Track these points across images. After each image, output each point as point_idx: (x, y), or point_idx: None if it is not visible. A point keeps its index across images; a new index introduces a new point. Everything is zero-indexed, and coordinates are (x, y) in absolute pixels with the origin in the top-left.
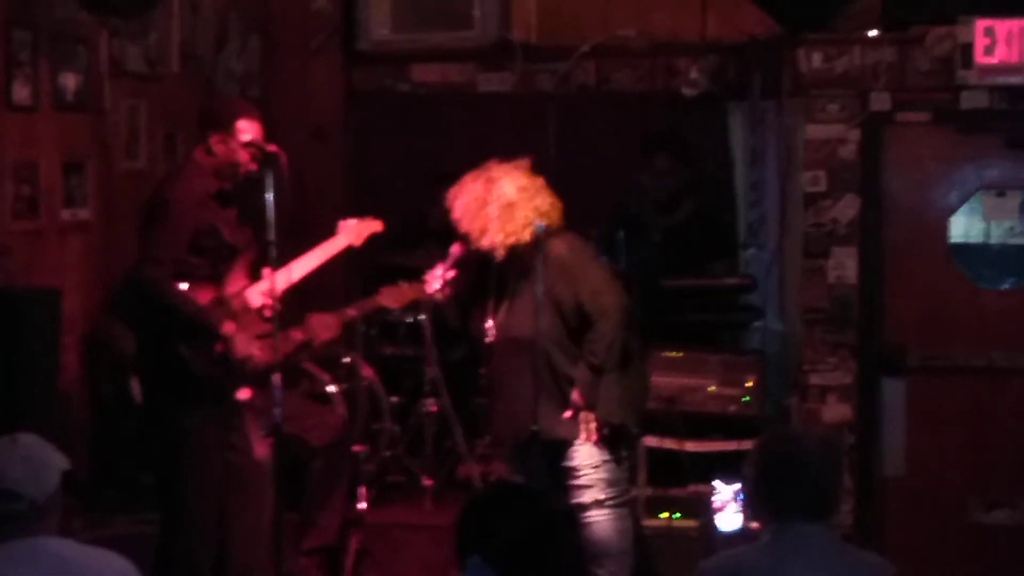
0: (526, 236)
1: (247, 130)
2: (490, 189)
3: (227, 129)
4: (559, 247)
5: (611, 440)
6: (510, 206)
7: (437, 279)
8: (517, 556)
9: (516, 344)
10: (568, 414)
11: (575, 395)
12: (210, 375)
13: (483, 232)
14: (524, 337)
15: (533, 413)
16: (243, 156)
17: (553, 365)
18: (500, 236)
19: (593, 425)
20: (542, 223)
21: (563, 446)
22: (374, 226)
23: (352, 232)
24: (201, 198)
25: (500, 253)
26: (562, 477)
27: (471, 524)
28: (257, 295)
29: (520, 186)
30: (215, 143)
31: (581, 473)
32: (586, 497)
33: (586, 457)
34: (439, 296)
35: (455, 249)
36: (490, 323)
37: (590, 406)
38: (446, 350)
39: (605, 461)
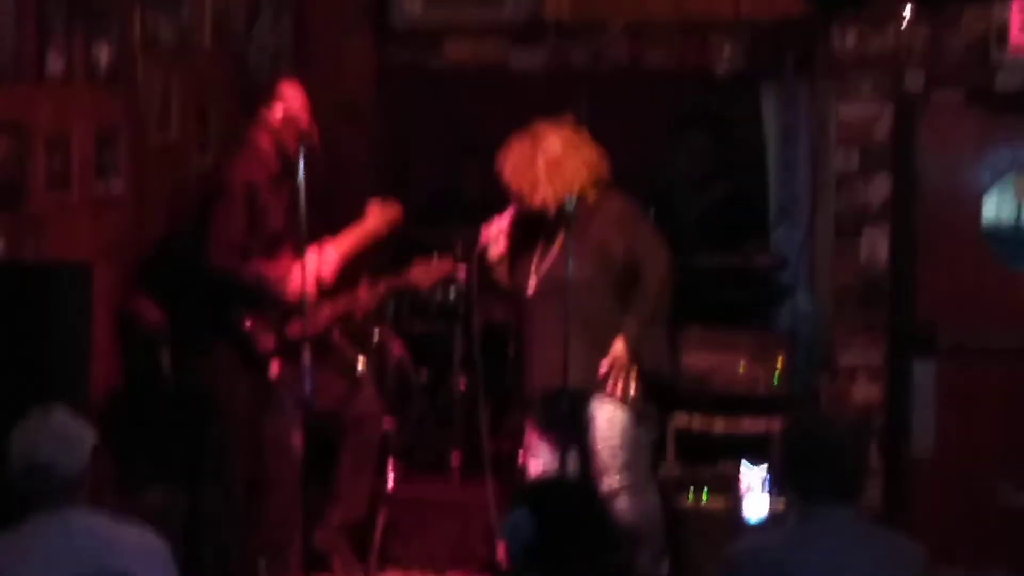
0: (576, 189)
1: (299, 104)
2: (537, 146)
3: (280, 101)
4: (612, 199)
5: (645, 406)
6: (557, 161)
7: (494, 233)
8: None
9: (558, 294)
10: (605, 366)
11: (619, 345)
12: (268, 348)
13: (534, 189)
14: (570, 287)
15: (574, 364)
16: (303, 128)
17: (596, 316)
18: (551, 191)
19: (624, 383)
20: (591, 175)
21: (594, 405)
22: (394, 211)
23: (380, 214)
24: (261, 180)
25: (551, 207)
26: (589, 443)
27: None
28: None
29: (566, 140)
30: (272, 119)
31: (602, 449)
32: (606, 480)
33: (614, 428)
34: (493, 252)
35: (511, 209)
36: (532, 276)
37: (635, 358)
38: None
39: (626, 440)
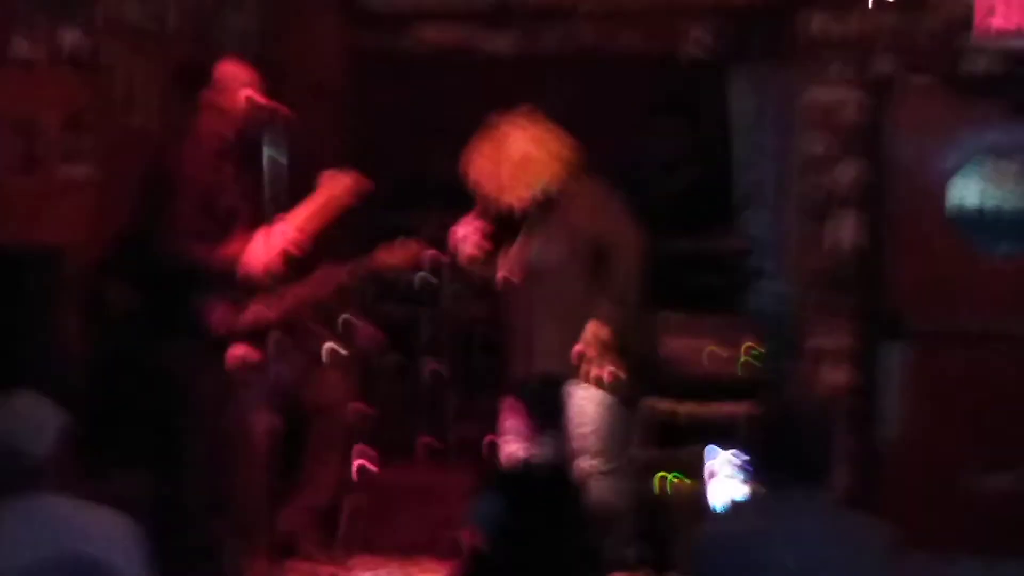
0: (546, 185)
1: (239, 78)
2: (501, 149)
3: (219, 81)
4: (583, 184)
5: (621, 389)
6: (525, 160)
7: (464, 235)
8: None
9: (535, 280)
10: (578, 348)
11: (593, 328)
12: (227, 332)
13: (501, 192)
14: (543, 273)
15: (549, 349)
16: (242, 104)
17: (573, 301)
18: (520, 190)
19: (600, 366)
20: (559, 168)
21: (570, 389)
22: (349, 179)
23: (333, 184)
24: (207, 160)
25: (523, 205)
26: (565, 426)
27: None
28: (255, 256)
29: (530, 138)
30: (212, 97)
31: (579, 431)
32: (583, 462)
33: (589, 412)
34: (465, 253)
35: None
36: (509, 265)
37: (611, 341)
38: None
39: (603, 424)
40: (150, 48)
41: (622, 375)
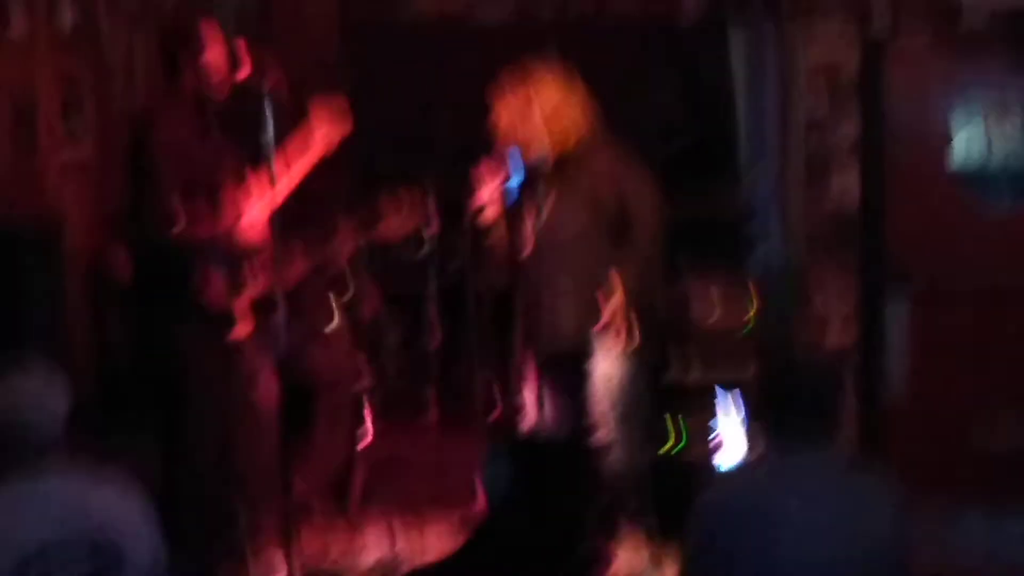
0: (571, 139)
1: (214, 42)
2: (532, 97)
3: (193, 46)
4: (602, 148)
5: (642, 358)
6: (553, 112)
7: (488, 196)
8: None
9: (555, 246)
10: (605, 316)
11: (616, 295)
12: (230, 306)
13: (529, 141)
14: (563, 239)
15: (569, 317)
16: (224, 61)
17: (593, 268)
18: (548, 143)
19: (625, 332)
20: (587, 124)
21: (591, 358)
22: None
23: (321, 130)
24: (189, 127)
25: (548, 159)
26: (584, 398)
27: None
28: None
29: (562, 90)
30: (193, 57)
31: (599, 402)
32: (600, 432)
33: (609, 381)
34: (489, 215)
35: (503, 163)
36: (528, 232)
37: (633, 306)
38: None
39: (624, 393)
40: (148, 27)
41: (643, 344)
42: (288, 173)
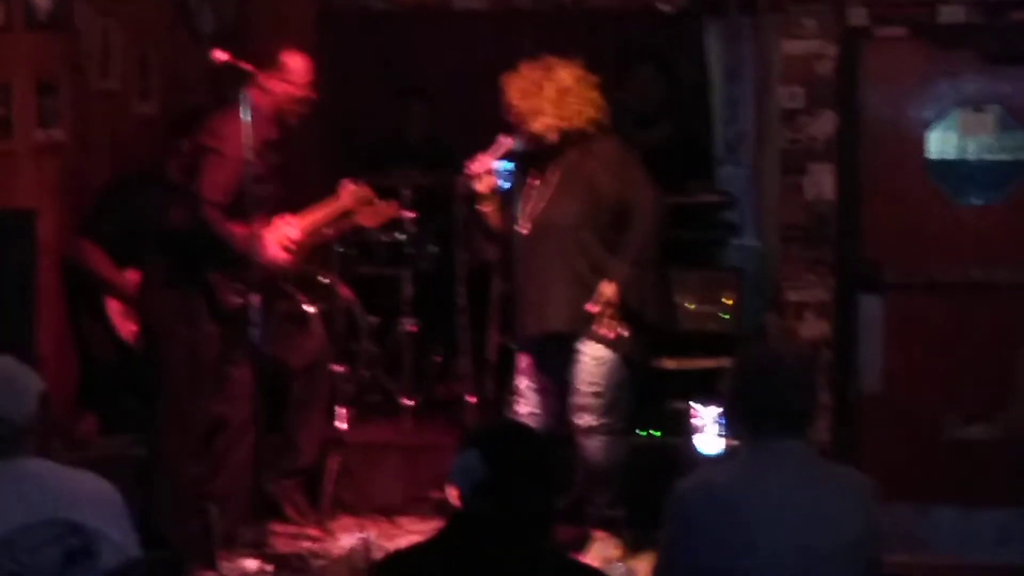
0: (578, 124)
1: (298, 68)
2: (548, 74)
3: (277, 67)
4: (607, 141)
5: (628, 349)
6: (566, 91)
7: (481, 167)
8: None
9: (549, 233)
10: (594, 307)
11: (608, 287)
12: (235, 304)
13: (537, 114)
14: (558, 227)
15: (559, 305)
16: (300, 94)
17: (586, 257)
18: (553, 119)
19: (612, 325)
20: (594, 114)
21: (577, 346)
22: (366, 191)
23: (352, 196)
24: (257, 144)
25: (552, 137)
26: (568, 384)
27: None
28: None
29: (577, 76)
30: (268, 82)
31: (583, 389)
32: (582, 420)
33: (594, 371)
34: (480, 187)
35: (503, 139)
36: (524, 215)
37: (623, 300)
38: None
39: (610, 382)
40: (123, 11)
41: (629, 335)
42: (309, 223)
